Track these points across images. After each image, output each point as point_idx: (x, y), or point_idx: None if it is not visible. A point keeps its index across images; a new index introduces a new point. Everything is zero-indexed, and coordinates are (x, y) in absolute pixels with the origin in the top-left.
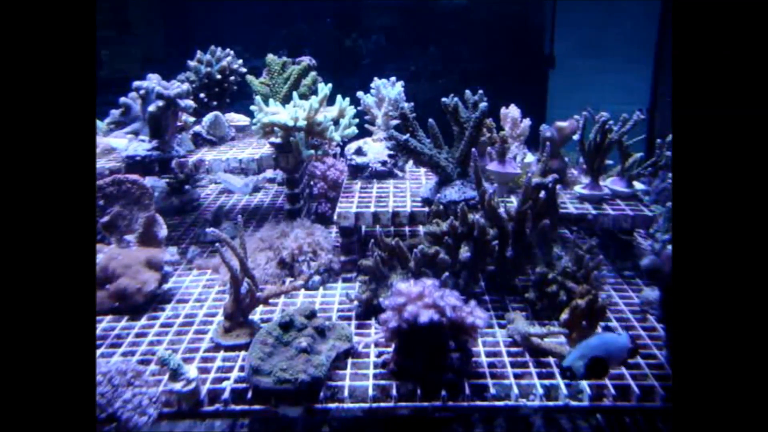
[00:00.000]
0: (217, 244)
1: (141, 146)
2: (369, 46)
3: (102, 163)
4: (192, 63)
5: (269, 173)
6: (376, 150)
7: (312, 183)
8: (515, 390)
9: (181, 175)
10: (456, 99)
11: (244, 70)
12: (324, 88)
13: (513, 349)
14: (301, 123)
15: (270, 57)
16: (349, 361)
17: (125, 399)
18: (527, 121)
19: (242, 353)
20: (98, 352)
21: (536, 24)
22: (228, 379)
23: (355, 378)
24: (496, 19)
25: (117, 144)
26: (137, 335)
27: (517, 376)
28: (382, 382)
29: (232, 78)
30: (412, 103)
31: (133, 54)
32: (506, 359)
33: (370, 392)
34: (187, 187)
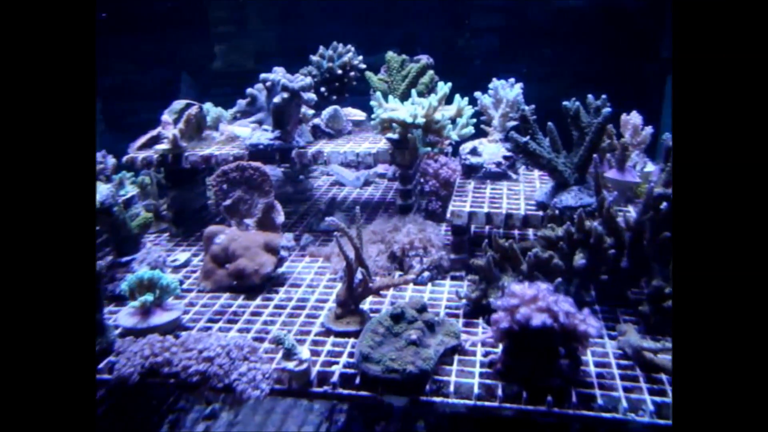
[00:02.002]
0: (335, 233)
1: (264, 135)
2: (481, 46)
3: (226, 150)
4: (314, 58)
5: (380, 168)
6: (490, 151)
7: (424, 180)
8: (624, 403)
9: (297, 165)
10: (578, 103)
11: (363, 66)
12: (443, 87)
13: (623, 362)
14: (420, 120)
15: (390, 54)
16: (456, 357)
17: (241, 372)
18: (649, 129)
19: (351, 340)
20: (216, 326)
21: (654, 26)
22: (337, 363)
23: (460, 375)
24: (612, 20)
25: (240, 132)
26: (252, 314)
27: (626, 390)
28: (488, 381)
29: (352, 74)
30: (533, 105)
31: (248, 48)
32: (616, 371)
33: (476, 390)
34: (301, 177)
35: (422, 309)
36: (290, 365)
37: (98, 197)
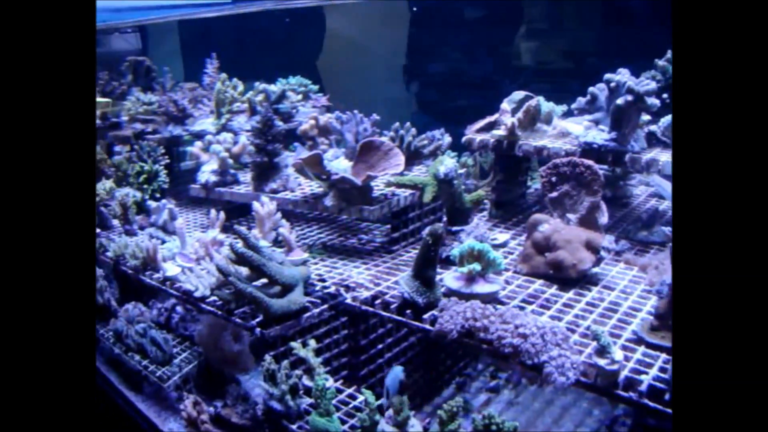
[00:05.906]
0: (669, 245)
1: (599, 135)
2: None
3: (559, 144)
4: (660, 62)
5: None
6: None
7: None
8: None
9: (618, 170)
10: None
11: None
12: None
13: None
14: None
15: None
16: None
17: (551, 356)
18: None
19: (664, 355)
20: (529, 308)
21: None
22: (646, 374)
23: None
24: None
25: (573, 129)
26: (564, 305)
27: None
28: None
29: None
30: None
31: (560, 47)
32: None
33: None
34: (621, 182)
35: None
36: (602, 362)
37: (443, 169)
